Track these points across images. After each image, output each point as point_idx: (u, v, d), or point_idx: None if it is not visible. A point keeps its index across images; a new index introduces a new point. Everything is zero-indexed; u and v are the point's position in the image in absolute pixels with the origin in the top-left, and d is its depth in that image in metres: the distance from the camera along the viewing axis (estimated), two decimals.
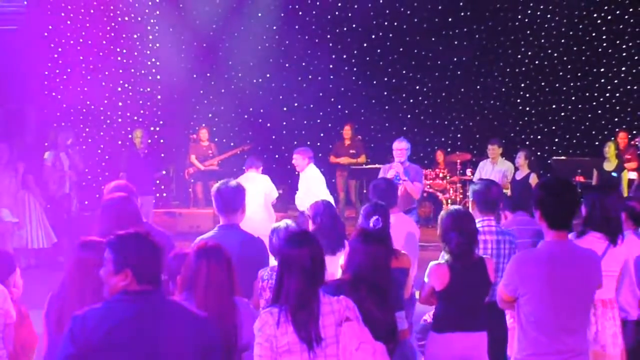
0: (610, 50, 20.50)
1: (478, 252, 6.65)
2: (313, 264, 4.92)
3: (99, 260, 5.07)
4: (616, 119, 20.13)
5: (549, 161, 17.98)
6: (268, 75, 20.41)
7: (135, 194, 7.12)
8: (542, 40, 20.57)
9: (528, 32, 20.52)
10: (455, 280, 6.34)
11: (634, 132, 17.03)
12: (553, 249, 5.29)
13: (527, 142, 19.97)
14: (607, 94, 20.63)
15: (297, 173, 12.95)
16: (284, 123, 20.49)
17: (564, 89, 20.67)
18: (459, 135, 20.97)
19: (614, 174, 15.62)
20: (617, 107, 20.44)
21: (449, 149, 19.56)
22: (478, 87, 20.85)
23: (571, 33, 20.49)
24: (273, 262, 6.82)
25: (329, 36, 20.69)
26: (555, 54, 20.63)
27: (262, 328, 4.88)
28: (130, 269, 4.33)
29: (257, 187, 11.79)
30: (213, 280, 5.06)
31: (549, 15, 20.36)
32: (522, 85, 20.78)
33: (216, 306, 4.97)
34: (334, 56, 20.73)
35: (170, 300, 4.46)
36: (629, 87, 20.53)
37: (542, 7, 20.28)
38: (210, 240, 5.45)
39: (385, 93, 20.87)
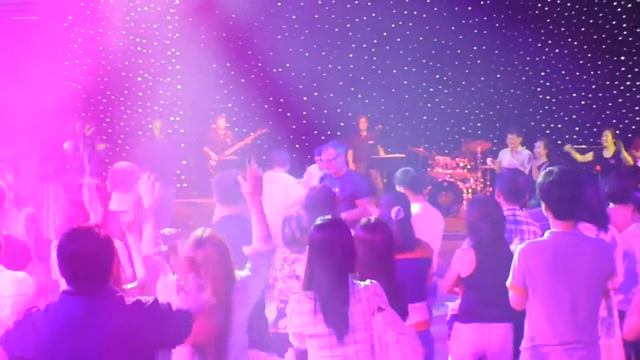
0: (630, 39, 20.34)
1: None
2: (343, 250, 4.92)
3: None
4: (637, 108, 20.00)
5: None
6: (288, 65, 20.34)
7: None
8: (562, 29, 20.46)
9: (548, 20, 20.41)
10: (482, 266, 6.32)
11: None
12: (559, 239, 5.26)
13: (547, 131, 19.85)
14: (628, 82, 20.48)
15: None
16: (304, 112, 20.46)
17: (584, 77, 20.51)
18: (479, 124, 20.88)
19: (611, 162, 15.62)
20: (638, 96, 20.29)
21: (469, 138, 19.47)
22: (498, 75, 20.73)
23: (591, 21, 20.38)
24: (281, 252, 6.82)
25: (348, 25, 20.64)
26: (576, 42, 20.49)
27: (293, 315, 4.95)
28: (59, 270, 4.27)
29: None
30: (210, 267, 5.05)
31: (569, 4, 20.27)
32: (542, 73, 20.61)
33: (215, 290, 4.98)
34: (353, 45, 20.69)
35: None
36: None
37: None
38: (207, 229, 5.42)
39: (405, 82, 20.77)
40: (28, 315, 4.27)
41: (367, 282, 5.01)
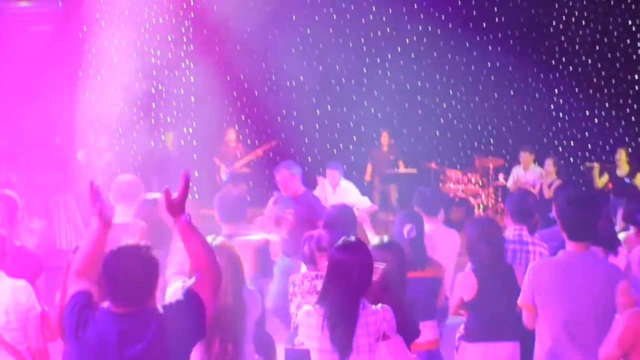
0: None
1: (507, 260, 6.61)
2: (360, 273, 4.92)
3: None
4: None
5: (581, 167, 17.86)
6: (301, 78, 20.36)
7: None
8: (576, 46, 20.44)
9: (562, 37, 20.40)
10: (484, 289, 6.30)
11: None
12: (570, 260, 5.28)
13: (560, 149, 19.85)
14: None
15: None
16: (317, 126, 20.47)
17: (597, 95, 20.49)
18: (491, 140, 20.87)
19: (626, 180, 15.52)
20: None
21: (481, 154, 19.44)
22: (511, 92, 20.72)
23: (605, 39, 20.36)
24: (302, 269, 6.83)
25: (362, 40, 20.64)
26: (589, 60, 20.49)
27: (301, 325, 5.05)
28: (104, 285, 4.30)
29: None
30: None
31: (583, 22, 20.25)
32: (555, 91, 20.60)
33: (225, 299, 5.00)
34: (367, 60, 20.70)
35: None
36: None
37: (576, 13, 20.16)
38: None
39: (419, 97, 20.78)
40: (90, 307, 4.30)
41: (379, 306, 5.01)
